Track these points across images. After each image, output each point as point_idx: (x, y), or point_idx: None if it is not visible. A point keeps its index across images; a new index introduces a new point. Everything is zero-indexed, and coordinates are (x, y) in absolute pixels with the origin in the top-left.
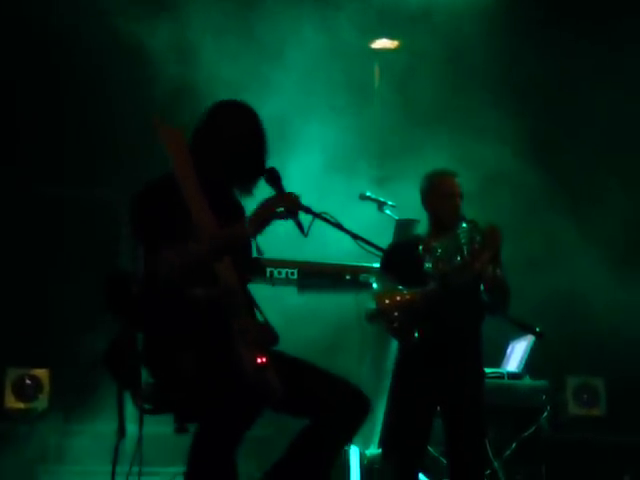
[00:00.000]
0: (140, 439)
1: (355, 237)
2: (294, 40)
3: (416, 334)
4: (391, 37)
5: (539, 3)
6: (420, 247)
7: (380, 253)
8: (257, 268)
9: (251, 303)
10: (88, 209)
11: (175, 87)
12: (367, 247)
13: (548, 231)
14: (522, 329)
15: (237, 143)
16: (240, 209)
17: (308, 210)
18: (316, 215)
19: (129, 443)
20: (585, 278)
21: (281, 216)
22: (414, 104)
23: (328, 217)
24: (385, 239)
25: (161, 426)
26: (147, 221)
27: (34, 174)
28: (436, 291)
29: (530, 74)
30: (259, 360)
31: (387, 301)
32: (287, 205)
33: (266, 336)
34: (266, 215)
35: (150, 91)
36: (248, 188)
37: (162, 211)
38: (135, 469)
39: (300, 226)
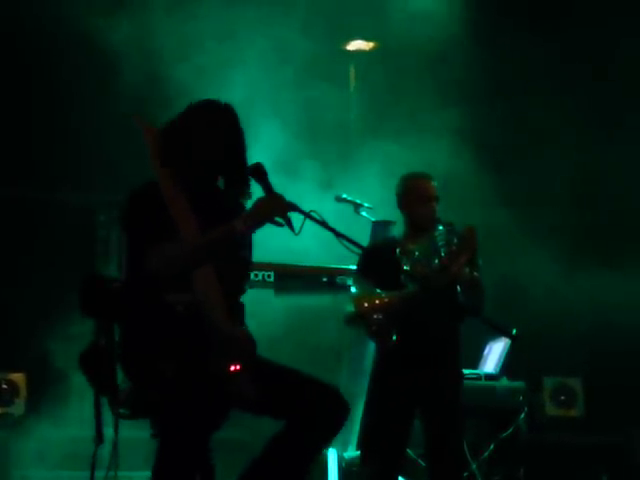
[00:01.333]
0: (116, 444)
1: (338, 235)
2: (267, 40)
3: (394, 337)
4: (366, 39)
5: (507, 9)
6: (397, 250)
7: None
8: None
9: (233, 310)
10: (63, 212)
11: (148, 87)
12: (350, 246)
13: (500, 229)
14: (497, 331)
15: (214, 145)
16: (234, 214)
17: (296, 208)
18: (305, 214)
19: (105, 448)
20: (557, 277)
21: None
22: (382, 105)
23: (315, 216)
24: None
25: (136, 430)
26: (132, 231)
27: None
28: (414, 294)
29: (492, 77)
30: (232, 368)
31: (366, 304)
32: (281, 209)
33: (243, 344)
34: (260, 219)
35: (125, 93)
36: (241, 190)
37: (147, 220)
38: (112, 474)
39: (290, 225)
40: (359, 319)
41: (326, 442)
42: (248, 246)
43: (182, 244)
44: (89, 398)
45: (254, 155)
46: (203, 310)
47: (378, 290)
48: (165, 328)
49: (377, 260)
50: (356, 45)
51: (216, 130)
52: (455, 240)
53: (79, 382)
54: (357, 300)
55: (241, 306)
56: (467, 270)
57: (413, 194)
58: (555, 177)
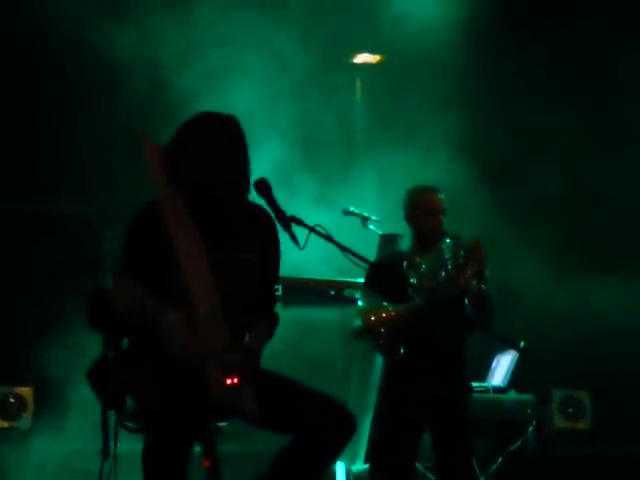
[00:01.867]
0: (115, 457)
1: (343, 249)
2: (271, 52)
3: (401, 350)
4: (372, 52)
5: (512, 21)
6: (404, 263)
7: (367, 266)
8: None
9: (236, 323)
10: (70, 227)
11: (148, 97)
12: (355, 260)
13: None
14: (505, 344)
15: (215, 160)
16: (239, 231)
17: (301, 223)
18: (310, 228)
19: (124, 461)
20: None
21: None
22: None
23: (320, 230)
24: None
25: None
26: (122, 247)
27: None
28: (421, 307)
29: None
30: (229, 381)
31: (373, 318)
32: None
33: (242, 358)
34: None
35: (129, 104)
36: (235, 205)
37: (135, 240)
38: None
39: (294, 239)
40: (366, 333)
41: (333, 457)
42: (256, 251)
43: (132, 293)
44: (93, 412)
45: (256, 167)
46: (199, 324)
47: (385, 304)
48: (160, 343)
49: (384, 274)
50: (363, 58)
51: (217, 144)
52: (462, 253)
53: (85, 396)
54: (364, 314)
55: (256, 318)
56: (474, 283)
57: (420, 207)
58: (549, 183)
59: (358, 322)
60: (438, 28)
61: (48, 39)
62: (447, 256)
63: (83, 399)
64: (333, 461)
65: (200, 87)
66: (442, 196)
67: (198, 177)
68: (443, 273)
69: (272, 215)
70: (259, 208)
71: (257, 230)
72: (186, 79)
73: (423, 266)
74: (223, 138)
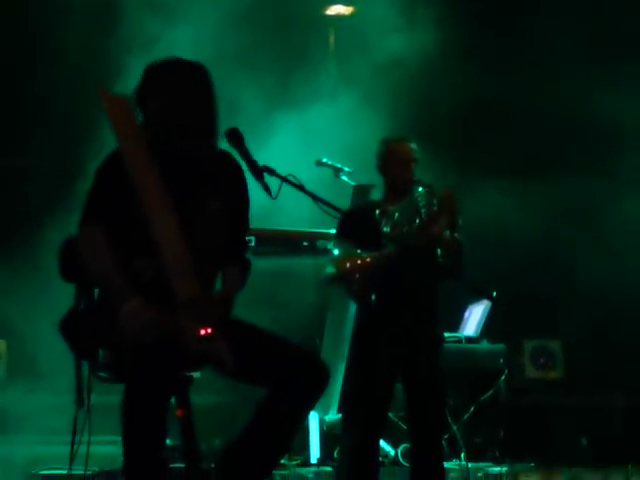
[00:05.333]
0: (89, 407)
1: (316, 199)
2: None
3: (373, 297)
4: (346, 3)
5: None
6: (377, 211)
7: (339, 214)
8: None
9: (206, 273)
10: (43, 179)
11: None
12: (327, 209)
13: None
14: (477, 293)
15: (185, 107)
16: (212, 179)
17: (273, 172)
18: (282, 178)
19: (96, 412)
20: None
21: None
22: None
23: (292, 179)
24: None
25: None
26: (88, 193)
27: None
28: (395, 254)
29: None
30: (202, 332)
31: (347, 264)
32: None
33: (214, 308)
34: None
35: (80, 54)
36: (205, 153)
37: (103, 188)
38: (95, 438)
39: (267, 189)
40: (340, 279)
41: (308, 408)
42: (225, 199)
43: (101, 262)
44: (67, 363)
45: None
46: (169, 274)
47: (359, 251)
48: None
49: (357, 223)
50: (336, 10)
51: (188, 90)
52: (435, 202)
53: (58, 347)
54: (338, 261)
55: (227, 266)
56: (448, 232)
57: (393, 157)
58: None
59: (330, 269)
60: None
61: None
62: (420, 205)
63: (56, 350)
64: (308, 411)
65: (159, 35)
66: (414, 145)
67: (168, 124)
68: (416, 222)
69: (239, 162)
70: (226, 154)
71: (226, 177)
72: (146, 25)
73: (396, 215)
74: (193, 84)
